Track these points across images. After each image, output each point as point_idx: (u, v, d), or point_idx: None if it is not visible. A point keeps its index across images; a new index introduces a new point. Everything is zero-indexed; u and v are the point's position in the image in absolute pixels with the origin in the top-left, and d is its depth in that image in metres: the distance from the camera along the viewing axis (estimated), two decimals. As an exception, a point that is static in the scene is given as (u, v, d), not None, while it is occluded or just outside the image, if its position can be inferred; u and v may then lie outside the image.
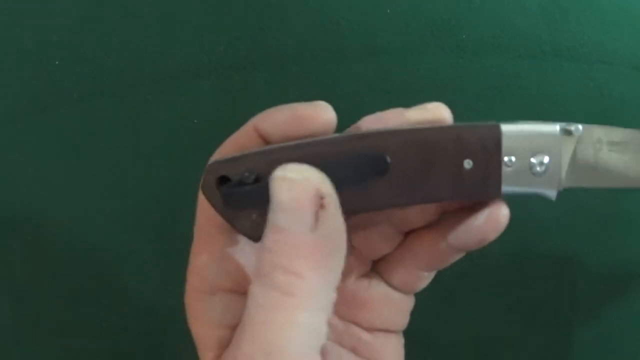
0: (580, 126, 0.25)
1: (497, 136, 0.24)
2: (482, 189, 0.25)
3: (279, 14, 0.38)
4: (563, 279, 0.40)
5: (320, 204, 0.22)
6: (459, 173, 0.24)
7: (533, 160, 0.24)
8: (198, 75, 0.38)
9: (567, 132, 0.25)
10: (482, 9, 0.38)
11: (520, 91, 0.38)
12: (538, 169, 0.24)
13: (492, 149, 0.24)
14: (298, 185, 0.22)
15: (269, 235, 0.22)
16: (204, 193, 0.26)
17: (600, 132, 0.25)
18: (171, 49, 0.38)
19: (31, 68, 0.38)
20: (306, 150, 0.25)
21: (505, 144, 0.24)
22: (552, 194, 0.25)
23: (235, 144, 0.26)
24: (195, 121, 0.39)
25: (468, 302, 0.40)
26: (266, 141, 0.26)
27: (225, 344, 0.25)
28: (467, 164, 0.24)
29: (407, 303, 0.29)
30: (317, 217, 0.22)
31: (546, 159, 0.24)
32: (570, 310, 0.40)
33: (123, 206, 0.39)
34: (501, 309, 0.40)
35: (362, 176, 0.24)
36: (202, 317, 0.26)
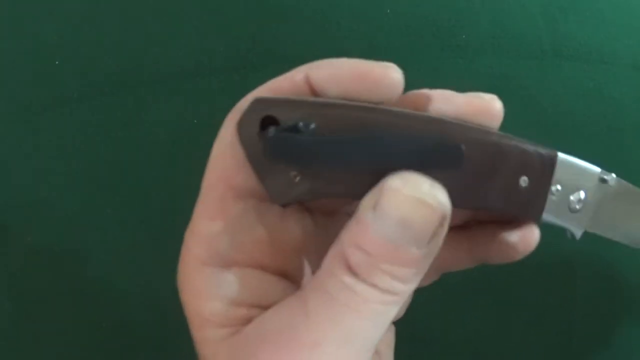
0: (614, 176, 0.25)
1: (553, 162, 0.24)
2: (527, 209, 0.24)
3: (279, 14, 0.38)
4: (563, 279, 0.40)
5: (440, 224, 0.21)
6: (514, 187, 0.24)
7: (573, 196, 0.24)
8: (198, 75, 0.38)
9: (602, 180, 0.25)
10: (482, 9, 0.38)
11: (520, 91, 0.38)
12: (576, 205, 0.25)
13: (547, 173, 0.24)
14: (431, 211, 0.20)
15: (373, 241, 0.20)
16: (240, 132, 0.22)
17: (627, 189, 0.25)
18: (171, 49, 0.38)
19: (31, 68, 0.38)
20: (381, 119, 0.22)
21: (556, 172, 0.24)
22: (579, 232, 0.25)
23: (277, 89, 0.23)
24: (195, 121, 0.39)
25: (468, 301, 0.40)
26: (316, 95, 0.23)
27: (240, 322, 0.22)
28: (523, 181, 0.24)
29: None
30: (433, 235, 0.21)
31: (584, 197, 0.24)
32: (570, 310, 0.40)
33: (123, 206, 0.39)
34: (501, 308, 0.40)
35: (437, 164, 0.22)
36: (209, 292, 0.22)
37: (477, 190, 0.23)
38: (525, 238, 0.25)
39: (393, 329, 0.28)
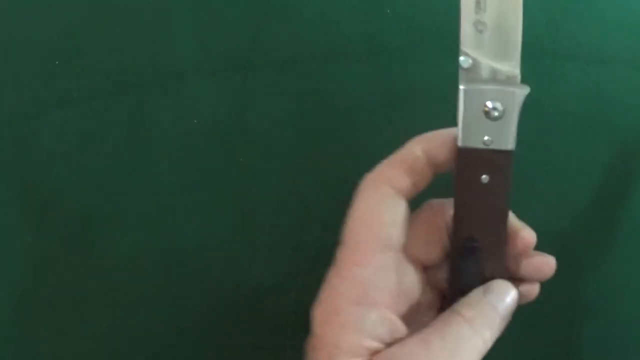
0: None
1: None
2: None
3: (278, 14, 0.38)
4: (563, 279, 0.40)
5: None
6: None
7: None
8: (198, 75, 0.38)
9: None
10: (482, 9, 0.38)
11: (520, 91, 0.38)
12: None
13: None
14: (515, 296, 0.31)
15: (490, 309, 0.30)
16: None
17: None
18: (171, 49, 0.38)
19: (31, 68, 0.38)
20: None
21: None
22: None
23: (402, 161, 0.30)
24: (195, 121, 0.39)
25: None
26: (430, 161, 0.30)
27: (369, 354, 0.28)
28: None
29: None
30: None
31: None
32: (570, 310, 0.40)
33: (123, 206, 0.39)
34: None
35: None
36: (354, 326, 0.28)
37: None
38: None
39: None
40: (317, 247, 0.39)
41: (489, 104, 0.27)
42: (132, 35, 0.38)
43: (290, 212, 0.40)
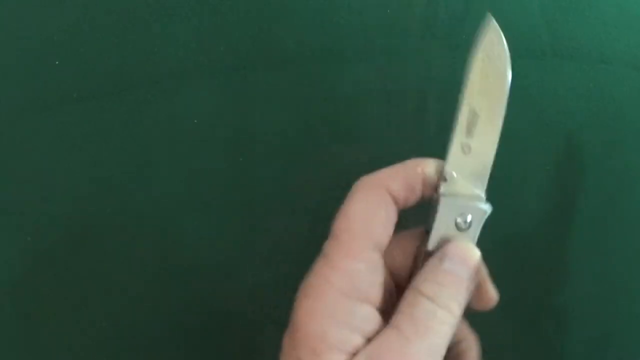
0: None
1: None
2: None
3: (278, 14, 0.38)
4: (562, 279, 0.40)
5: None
6: None
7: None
8: (198, 75, 0.38)
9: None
10: (482, 8, 0.38)
11: (520, 91, 0.38)
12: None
13: None
14: (477, 256, 0.30)
15: (446, 276, 0.29)
16: None
17: None
18: (171, 49, 0.38)
19: (31, 68, 0.38)
20: None
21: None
22: None
23: (400, 173, 0.31)
24: (195, 121, 0.39)
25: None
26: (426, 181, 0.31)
27: (353, 350, 0.27)
28: None
29: None
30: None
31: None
32: (570, 310, 0.40)
33: (123, 206, 0.39)
34: (501, 308, 0.40)
35: None
36: (346, 319, 0.27)
37: None
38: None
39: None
40: (318, 246, 0.39)
41: (461, 216, 0.29)
42: (132, 35, 0.38)
43: (290, 212, 0.40)
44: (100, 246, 0.39)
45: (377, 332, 0.28)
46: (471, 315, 0.40)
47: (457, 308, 0.28)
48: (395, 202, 0.30)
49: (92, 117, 0.39)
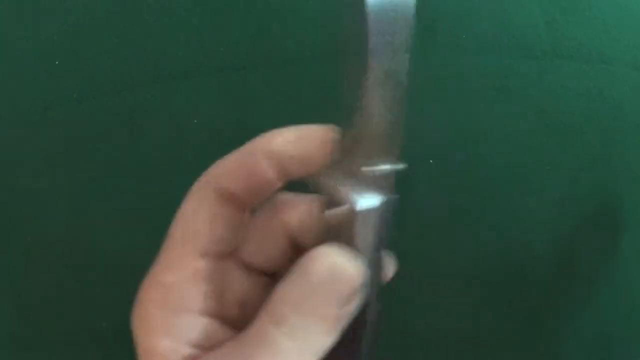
0: None
1: None
2: None
3: (278, 14, 0.38)
4: (563, 279, 0.40)
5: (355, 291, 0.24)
6: None
7: None
8: (198, 75, 0.38)
9: None
10: (482, 9, 0.38)
11: (520, 91, 0.38)
12: None
13: None
14: (348, 277, 0.23)
15: (300, 296, 0.23)
16: None
17: None
18: (171, 49, 0.38)
19: (31, 68, 0.38)
20: None
21: None
22: None
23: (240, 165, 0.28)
24: (195, 121, 0.39)
25: (468, 302, 0.40)
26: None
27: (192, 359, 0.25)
28: None
29: None
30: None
31: None
32: (570, 310, 0.40)
33: (123, 206, 0.39)
34: (501, 309, 0.40)
35: None
36: (161, 332, 0.26)
37: None
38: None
39: None
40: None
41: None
42: (132, 35, 0.38)
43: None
44: (100, 246, 0.39)
45: (215, 340, 0.26)
46: (471, 315, 0.40)
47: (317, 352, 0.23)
48: (229, 197, 0.26)
49: (92, 117, 0.39)
